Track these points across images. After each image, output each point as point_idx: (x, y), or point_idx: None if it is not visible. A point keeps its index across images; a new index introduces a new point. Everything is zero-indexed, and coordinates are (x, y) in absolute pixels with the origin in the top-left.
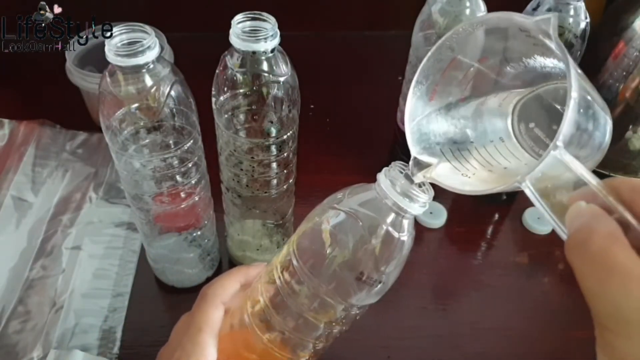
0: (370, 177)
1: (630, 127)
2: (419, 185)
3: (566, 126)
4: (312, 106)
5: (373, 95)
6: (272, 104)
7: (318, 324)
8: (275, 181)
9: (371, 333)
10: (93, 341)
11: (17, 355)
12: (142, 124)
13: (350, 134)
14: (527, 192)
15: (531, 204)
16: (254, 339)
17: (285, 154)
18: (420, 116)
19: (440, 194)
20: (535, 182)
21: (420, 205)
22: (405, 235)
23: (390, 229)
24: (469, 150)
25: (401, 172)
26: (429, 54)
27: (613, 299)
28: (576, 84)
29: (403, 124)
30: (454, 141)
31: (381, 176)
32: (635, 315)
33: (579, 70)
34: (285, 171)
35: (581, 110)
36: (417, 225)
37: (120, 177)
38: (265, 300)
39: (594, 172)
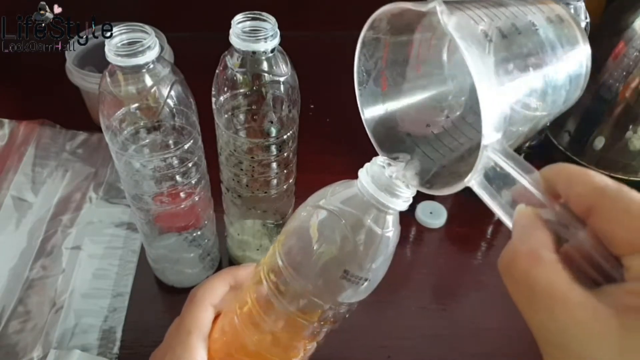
0: None
1: (630, 127)
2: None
3: (487, 125)
4: (312, 106)
5: None
6: (272, 104)
7: (307, 323)
8: (275, 181)
9: (371, 333)
10: (93, 341)
11: (17, 355)
12: (142, 124)
13: (350, 134)
14: (477, 190)
15: None
16: (244, 340)
17: (285, 154)
18: (381, 111)
19: None
20: (481, 181)
21: (404, 201)
22: (390, 232)
23: (373, 225)
24: (444, 128)
25: (382, 167)
26: (356, 55)
27: (540, 322)
28: (484, 83)
29: None
30: (427, 124)
31: (362, 172)
32: (562, 338)
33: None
34: (285, 171)
35: (506, 87)
36: (417, 225)
37: (120, 177)
38: (253, 301)
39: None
